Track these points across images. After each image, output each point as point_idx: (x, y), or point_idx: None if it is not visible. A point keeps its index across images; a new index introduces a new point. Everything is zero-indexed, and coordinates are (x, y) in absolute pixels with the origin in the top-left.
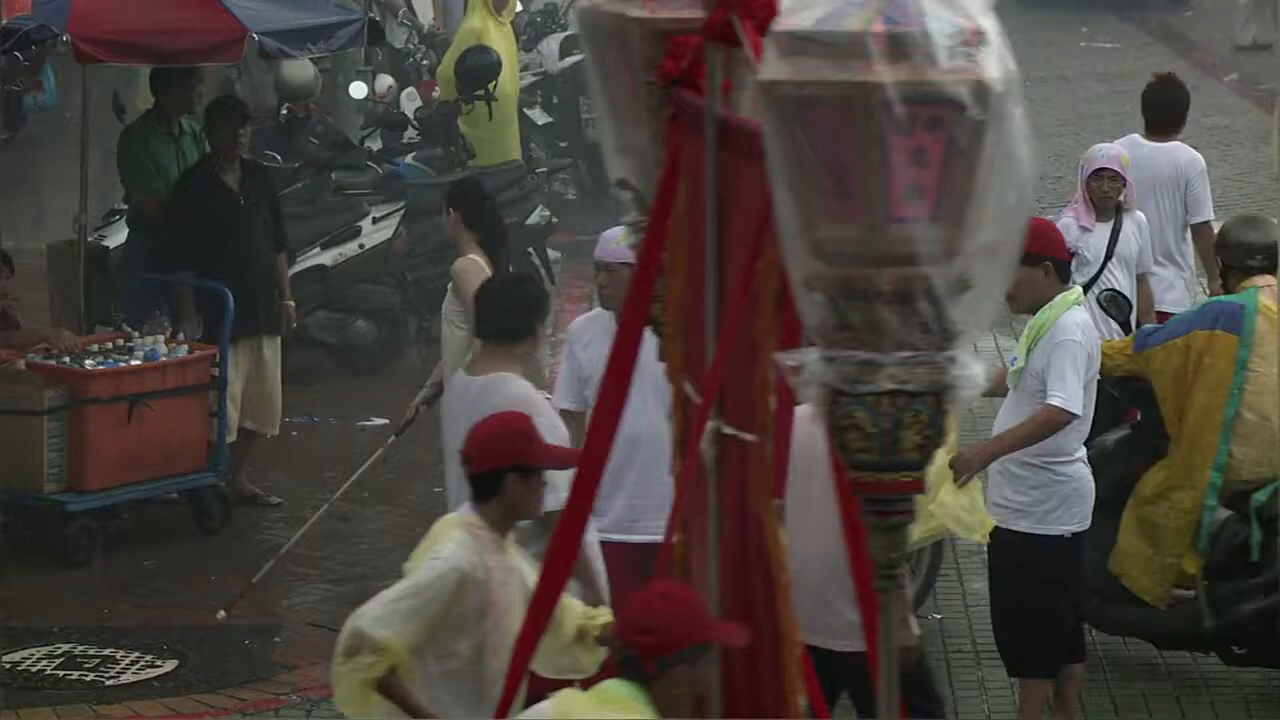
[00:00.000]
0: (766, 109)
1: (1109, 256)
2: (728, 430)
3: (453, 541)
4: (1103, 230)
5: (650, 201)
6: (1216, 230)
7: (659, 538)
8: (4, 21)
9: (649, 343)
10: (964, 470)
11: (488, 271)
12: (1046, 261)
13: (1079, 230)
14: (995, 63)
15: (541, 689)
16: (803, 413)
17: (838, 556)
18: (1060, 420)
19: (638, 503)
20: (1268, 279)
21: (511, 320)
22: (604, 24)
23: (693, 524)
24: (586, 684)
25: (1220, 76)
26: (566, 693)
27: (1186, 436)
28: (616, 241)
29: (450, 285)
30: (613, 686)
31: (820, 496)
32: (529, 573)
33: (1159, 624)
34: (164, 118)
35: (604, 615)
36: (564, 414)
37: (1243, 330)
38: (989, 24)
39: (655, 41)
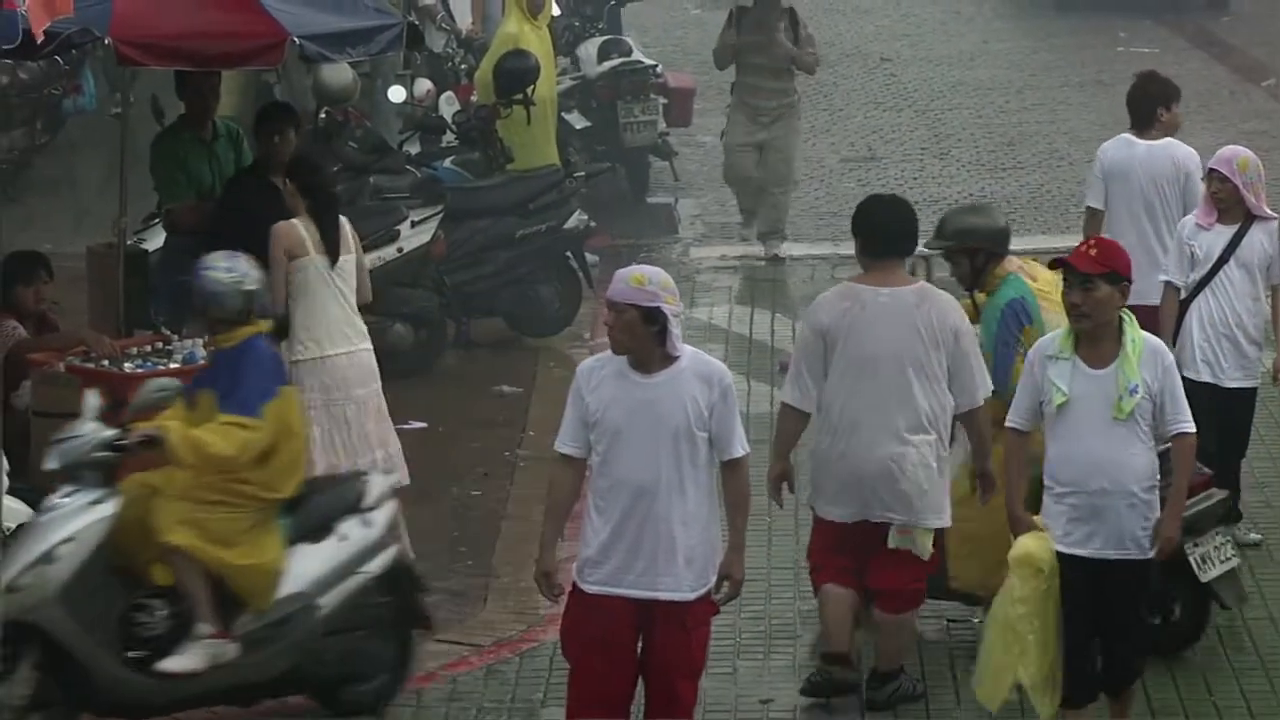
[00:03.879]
0: None
1: (1224, 259)
2: None
3: None
4: (1223, 231)
5: None
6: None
7: (656, 594)
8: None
9: (657, 390)
10: (1173, 549)
11: (302, 233)
12: (1125, 283)
13: (1194, 227)
14: None
15: None
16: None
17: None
18: (1195, 444)
19: (636, 557)
20: (1015, 261)
21: (904, 241)
22: None
23: None
24: None
25: (1258, 81)
26: None
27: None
28: (627, 281)
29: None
30: None
31: None
32: None
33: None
34: (192, 122)
35: None
36: (564, 459)
37: (1034, 320)
38: None
39: None
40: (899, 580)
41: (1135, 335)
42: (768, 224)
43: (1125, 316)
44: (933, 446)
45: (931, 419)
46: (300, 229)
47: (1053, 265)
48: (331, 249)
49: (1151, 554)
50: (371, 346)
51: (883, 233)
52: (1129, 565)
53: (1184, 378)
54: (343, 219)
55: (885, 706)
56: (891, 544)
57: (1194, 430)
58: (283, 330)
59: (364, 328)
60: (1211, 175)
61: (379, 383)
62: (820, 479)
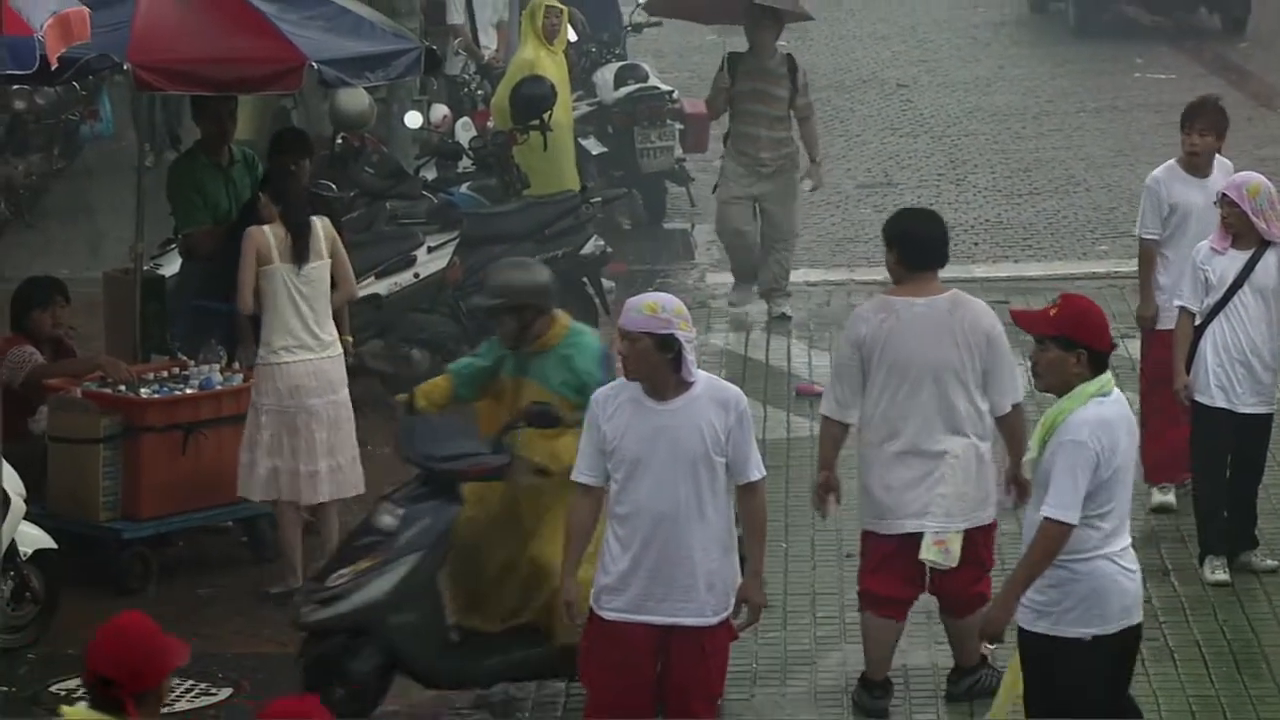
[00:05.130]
0: None
1: (1239, 284)
2: None
3: None
4: (1237, 256)
5: None
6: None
7: (677, 620)
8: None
9: (674, 417)
10: (998, 635)
11: (269, 238)
12: (1081, 350)
13: (1208, 252)
14: None
15: None
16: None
17: None
18: (1057, 533)
19: (656, 584)
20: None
21: (940, 251)
22: None
23: None
24: None
25: (1274, 107)
26: None
27: None
28: (640, 309)
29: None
30: None
31: None
32: None
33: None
34: (208, 147)
35: None
36: (582, 488)
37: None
38: None
39: None
40: (957, 585)
41: (1063, 406)
42: (769, 281)
43: (1088, 387)
44: (972, 449)
45: (969, 423)
46: (269, 235)
47: (1013, 315)
48: (299, 255)
49: (1050, 630)
50: (340, 354)
51: (920, 244)
52: (1026, 635)
53: (1199, 404)
54: (320, 221)
55: (963, 698)
56: (921, 556)
57: (1057, 519)
58: (256, 334)
59: (332, 336)
60: (1223, 200)
61: (342, 393)
62: (868, 491)
